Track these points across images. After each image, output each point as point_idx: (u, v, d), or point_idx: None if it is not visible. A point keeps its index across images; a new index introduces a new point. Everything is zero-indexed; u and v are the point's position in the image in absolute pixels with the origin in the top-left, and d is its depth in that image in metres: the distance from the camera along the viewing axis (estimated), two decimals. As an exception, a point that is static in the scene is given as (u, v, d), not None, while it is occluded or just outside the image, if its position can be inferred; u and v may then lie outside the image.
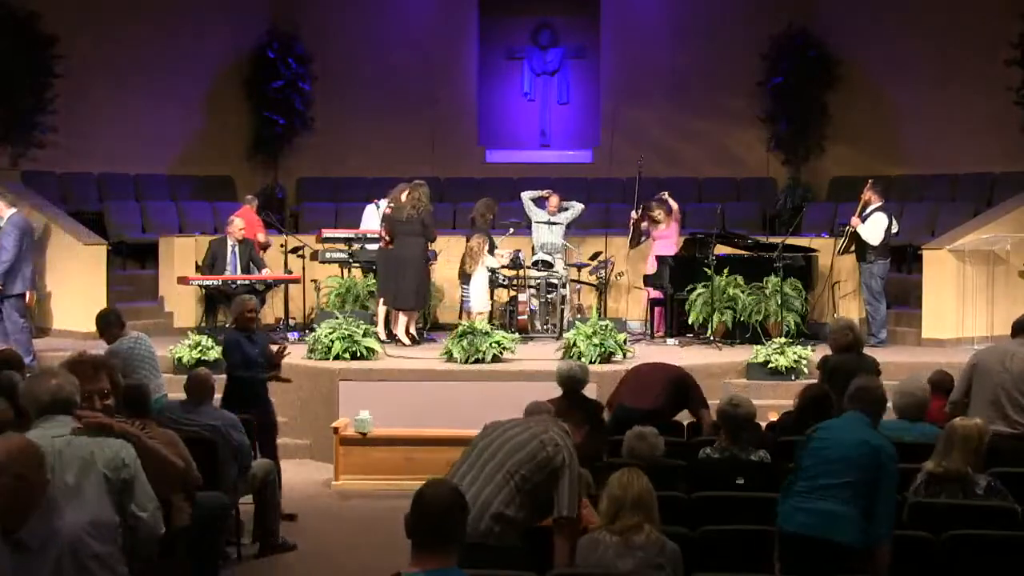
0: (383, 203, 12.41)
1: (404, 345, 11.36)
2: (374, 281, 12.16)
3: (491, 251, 12.20)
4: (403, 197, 11.65)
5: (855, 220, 11.83)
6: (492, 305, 12.26)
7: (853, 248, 12.01)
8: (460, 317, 12.22)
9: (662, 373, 8.05)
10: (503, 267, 12.30)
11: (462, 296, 12.43)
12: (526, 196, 13.08)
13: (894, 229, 11.83)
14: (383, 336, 11.43)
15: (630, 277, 13.34)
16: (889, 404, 7.00)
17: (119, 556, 3.98)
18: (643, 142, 16.42)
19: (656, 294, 12.60)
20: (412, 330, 11.67)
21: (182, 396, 7.28)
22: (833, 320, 8.10)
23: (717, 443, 6.24)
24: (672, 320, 12.49)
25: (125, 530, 4.01)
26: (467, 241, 12.44)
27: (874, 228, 11.70)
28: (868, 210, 11.78)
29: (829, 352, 7.87)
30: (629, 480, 4.65)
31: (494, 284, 12.24)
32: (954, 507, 5.25)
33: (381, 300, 11.64)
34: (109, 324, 7.90)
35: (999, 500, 5.34)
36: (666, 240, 12.73)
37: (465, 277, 12.25)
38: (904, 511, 5.30)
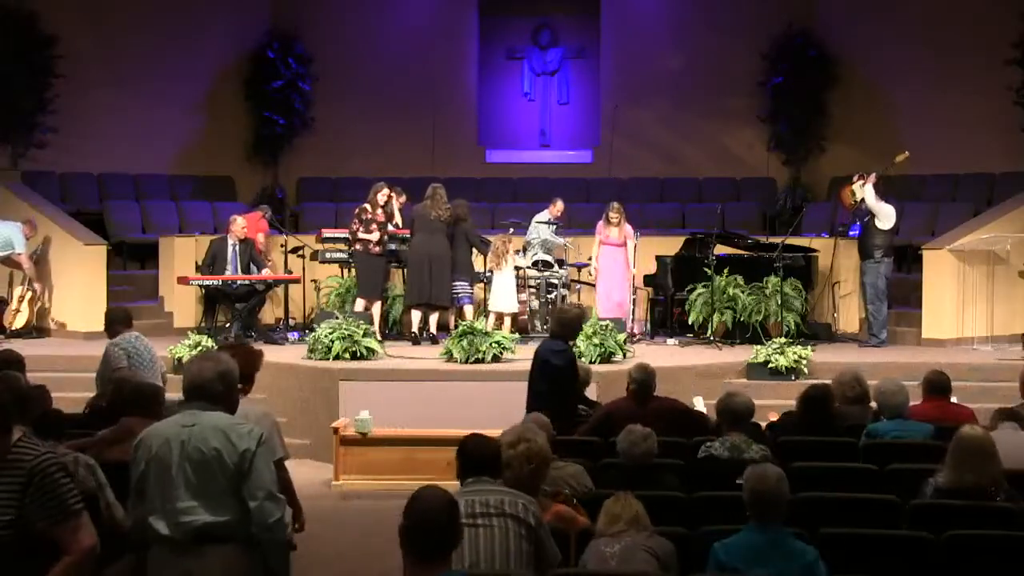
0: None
1: (431, 343, 11.47)
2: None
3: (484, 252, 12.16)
4: (382, 197, 11.79)
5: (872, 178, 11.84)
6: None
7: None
8: (459, 316, 12.20)
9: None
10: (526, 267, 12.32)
11: (454, 292, 12.40)
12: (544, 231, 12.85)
13: (890, 219, 11.85)
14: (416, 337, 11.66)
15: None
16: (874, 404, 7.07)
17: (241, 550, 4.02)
18: (643, 142, 16.47)
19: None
20: (432, 328, 11.81)
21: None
22: (841, 374, 7.65)
23: (721, 439, 6.23)
24: (668, 319, 12.51)
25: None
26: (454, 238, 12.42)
27: (888, 210, 11.71)
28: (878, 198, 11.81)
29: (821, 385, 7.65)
30: (625, 504, 4.64)
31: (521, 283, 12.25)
32: (954, 508, 5.24)
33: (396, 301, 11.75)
34: (113, 322, 8.27)
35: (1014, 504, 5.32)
36: (613, 248, 12.36)
37: (459, 273, 12.22)
38: (906, 514, 5.31)
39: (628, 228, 12.38)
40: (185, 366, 4.34)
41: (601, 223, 12.49)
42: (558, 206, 13.00)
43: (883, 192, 12.10)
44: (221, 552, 4.00)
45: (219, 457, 3.99)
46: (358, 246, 11.73)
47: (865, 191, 11.86)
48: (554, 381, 7.43)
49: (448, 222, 11.70)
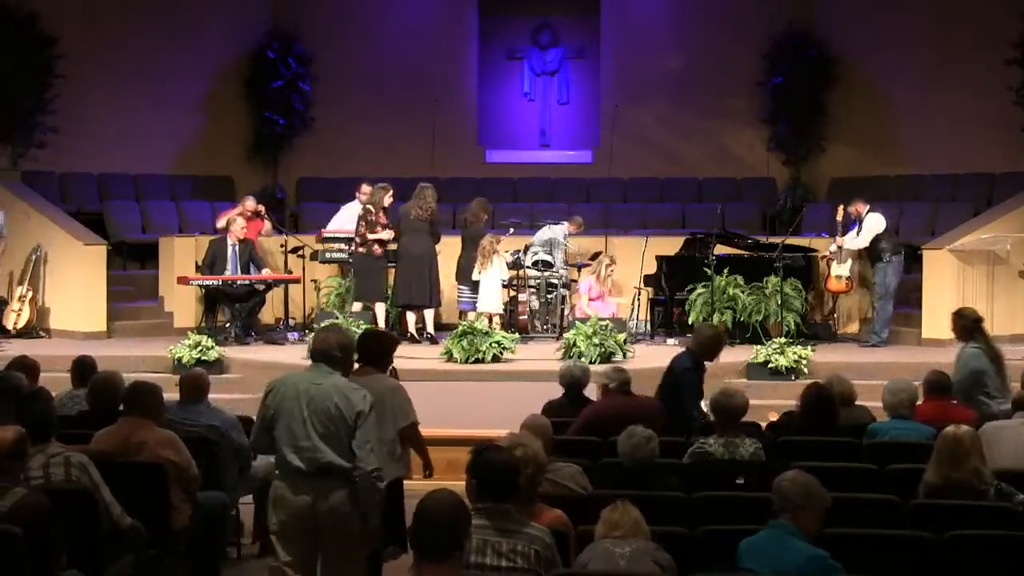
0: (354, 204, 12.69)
1: (431, 343, 11.37)
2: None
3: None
4: (388, 200, 11.66)
5: (839, 239, 12.06)
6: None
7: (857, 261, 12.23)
8: (460, 317, 12.20)
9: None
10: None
11: (459, 297, 12.40)
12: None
13: (879, 227, 11.92)
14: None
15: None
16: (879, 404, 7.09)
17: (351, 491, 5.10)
18: (643, 142, 16.47)
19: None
20: (430, 328, 11.74)
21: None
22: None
23: (713, 435, 6.26)
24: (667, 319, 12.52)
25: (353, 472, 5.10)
26: (463, 241, 12.40)
27: (874, 225, 11.83)
28: (863, 219, 11.91)
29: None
30: (623, 512, 4.62)
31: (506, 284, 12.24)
32: (955, 508, 5.25)
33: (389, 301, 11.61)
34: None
35: (1007, 501, 5.34)
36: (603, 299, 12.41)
37: (463, 278, 12.23)
38: (907, 514, 5.31)
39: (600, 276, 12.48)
40: (314, 335, 5.61)
41: (592, 279, 12.39)
42: (579, 225, 12.99)
43: (868, 198, 12.20)
44: (336, 484, 5.09)
45: (340, 413, 5.08)
46: (362, 248, 11.65)
47: (851, 246, 12.02)
48: (673, 391, 7.62)
49: (428, 220, 11.62)
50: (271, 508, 5.25)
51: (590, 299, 12.35)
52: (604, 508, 4.65)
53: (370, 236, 11.57)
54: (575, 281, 12.88)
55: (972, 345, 7.76)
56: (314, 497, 5.10)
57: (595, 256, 12.90)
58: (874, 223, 11.88)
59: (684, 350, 8.06)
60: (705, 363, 7.83)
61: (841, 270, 12.24)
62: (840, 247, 12.13)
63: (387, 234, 11.65)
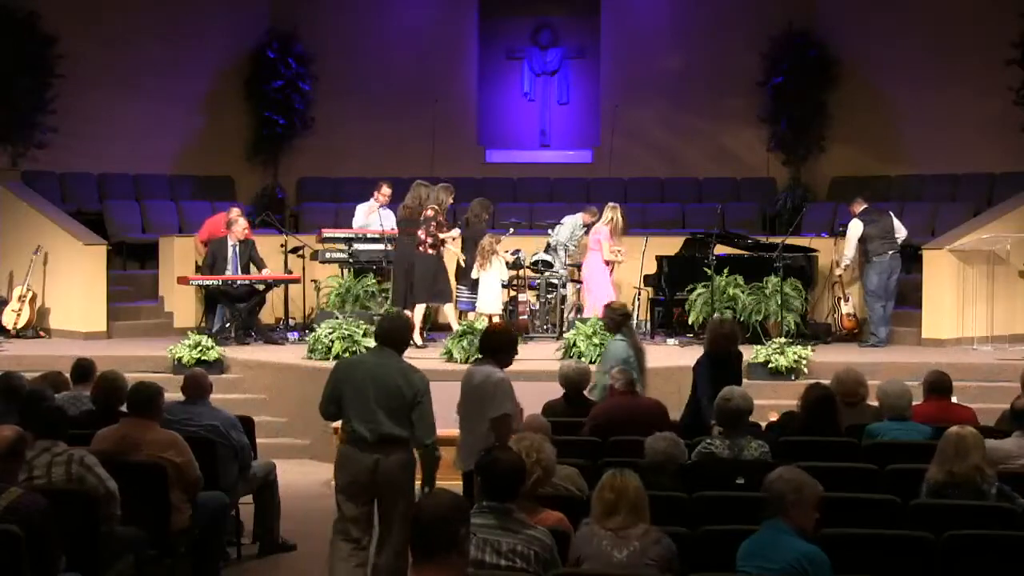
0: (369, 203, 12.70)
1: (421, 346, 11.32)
2: (374, 281, 12.18)
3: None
4: (449, 200, 11.55)
5: (838, 270, 12.43)
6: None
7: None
8: (460, 317, 12.19)
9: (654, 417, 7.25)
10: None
11: (458, 297, 12.39)
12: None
13: (856, 233, 12.03)
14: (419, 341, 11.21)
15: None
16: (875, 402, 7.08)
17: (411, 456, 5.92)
18: (643, 142, 16.47)
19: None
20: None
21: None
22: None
23: (718, 436, 6.24)
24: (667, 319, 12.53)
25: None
26: (463, 241, 12.39)
27: (851, 233, 12.05)
28: (849, 223, 12.13)
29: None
30: (622, 483, 4.62)
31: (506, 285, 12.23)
32: (955, 508, 5.25)
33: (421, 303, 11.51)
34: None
35: (1008, 502, 5.34)
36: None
37: (463, 277, 12.22)
38: (906, 514, 5.32)
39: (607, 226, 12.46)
40: (377, 322, 6.42)
41: (607, 231, 12.33)
42: (594, 214, 12.97)
43: (869, 198, 12.38)
44: (397, 451, 5.87)
45: (400, 390, 5.85)
46: (432, 251, 11.33)
47: (847, 261, 12.18)
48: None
49: (412, 219, 11.55)
50: (337, 469, 6.04)
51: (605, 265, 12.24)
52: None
53: (442, 236, 11.35)
54: (575, 281, 12.87)
55: (619, 337, 8.22)
56: (375, 461, 5.82)
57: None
58: (850, 231, 12.08)
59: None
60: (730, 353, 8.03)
61: (848, 307, 12.52)
62: (840, 273, 12.44)
63: (457, 232, 11.62)
